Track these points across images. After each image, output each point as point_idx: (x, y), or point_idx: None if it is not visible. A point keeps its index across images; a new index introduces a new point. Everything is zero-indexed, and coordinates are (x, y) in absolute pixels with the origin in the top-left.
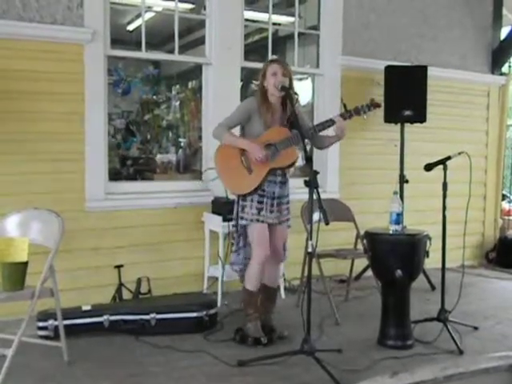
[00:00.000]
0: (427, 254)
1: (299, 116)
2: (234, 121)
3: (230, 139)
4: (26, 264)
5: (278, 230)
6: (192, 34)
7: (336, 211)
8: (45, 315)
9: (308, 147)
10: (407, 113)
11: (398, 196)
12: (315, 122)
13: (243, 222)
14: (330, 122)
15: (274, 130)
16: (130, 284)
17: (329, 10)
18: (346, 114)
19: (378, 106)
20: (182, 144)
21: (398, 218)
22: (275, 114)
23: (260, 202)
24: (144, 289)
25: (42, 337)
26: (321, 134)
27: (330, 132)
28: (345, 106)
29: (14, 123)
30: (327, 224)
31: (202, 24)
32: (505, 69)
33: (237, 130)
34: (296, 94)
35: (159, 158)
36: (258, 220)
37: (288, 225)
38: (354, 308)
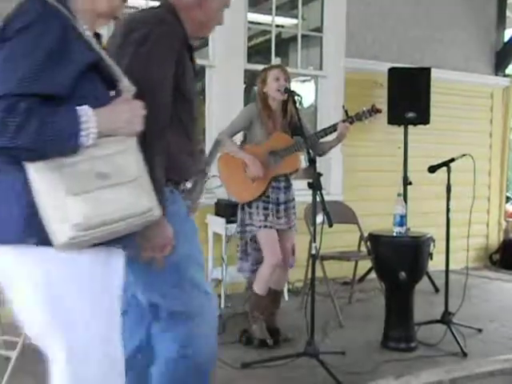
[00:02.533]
0: (431, 256)
1: (302, 120)
2: (236, 128)
3: (232, 149)
4: None
5: (288, 235)
6: None
7: (339, 213)
8: None
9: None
10: (411, 115)
11: (402, 198)
12: (318, 124)
13: (254, 229)
14: (331, 129)
15: (276, 137)
16: None
17: (332, 12)
18: (348, 119)
19: (378, 111)
20: None
21: (402, 220)
22: (276, 120)
23: (265, 208)
24: None
25: None
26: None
27: (330, 137)
28: (346, 112)
29: None
30: (331, 226)
31: None
32: (508, 70)
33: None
34: (299, 95)
35: None
36: (265, 226)
37: (295, 229)
38: (357, 310)
